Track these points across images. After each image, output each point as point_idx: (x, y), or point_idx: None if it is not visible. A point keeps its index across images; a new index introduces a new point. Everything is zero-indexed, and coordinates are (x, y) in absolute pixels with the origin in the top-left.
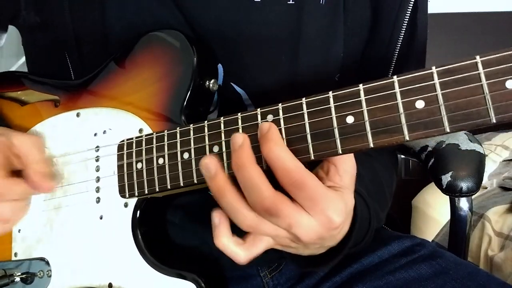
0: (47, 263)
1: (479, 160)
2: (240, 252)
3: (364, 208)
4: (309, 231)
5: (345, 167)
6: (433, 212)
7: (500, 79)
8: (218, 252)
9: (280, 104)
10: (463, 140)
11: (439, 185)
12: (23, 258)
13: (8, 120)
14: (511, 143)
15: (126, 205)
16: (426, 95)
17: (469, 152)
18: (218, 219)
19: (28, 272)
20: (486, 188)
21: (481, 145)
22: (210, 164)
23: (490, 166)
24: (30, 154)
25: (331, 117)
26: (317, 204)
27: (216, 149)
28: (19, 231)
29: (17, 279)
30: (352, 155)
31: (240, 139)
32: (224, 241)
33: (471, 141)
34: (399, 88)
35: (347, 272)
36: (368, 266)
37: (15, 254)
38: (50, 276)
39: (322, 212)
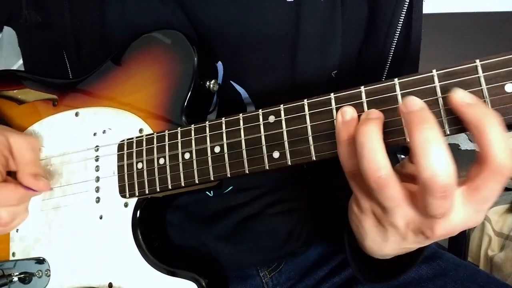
0: (46, 263)
1: None
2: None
3: None
4: (448, 226)
5: None
6: None
7: (500, 83)
8: (217, 252)
9: (282, 105)
10: (463, 140)
11: None
12: (21, 258)
13: (6, 119)
14: (511, 143)
15: (126, 205)
16: (427, 98)
17: (469, 152)
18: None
19: (26, 272)
20: None
21: None
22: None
23: None
24: (22, 156)
25: (333, 119)
26: (489, 200)
27: (217, 149)
28: (17, 231)
29: (15, 279)
30: None
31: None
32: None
33: (471, 141)
34: (400, 90)
35: (347, 273)
36: None
37: (13, 254)
38: (48, 276)
39: (479, 212)
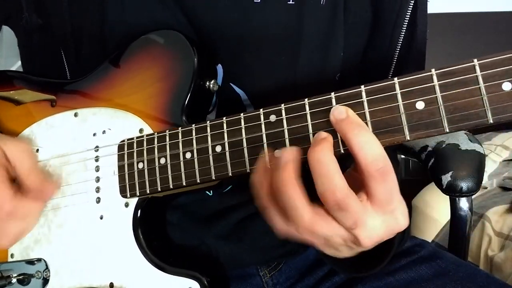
0: (45, 264)
1: (479, 160)
2: (307, 211)
3: None
4: (373, 232)
5: None
6: (433, 212)
7: (497, 81)
8: (217, 252)
9: (282, 105)
10: (463, 140)
11: (439, 185)
12: (20, 259)
13: (3, 121)
14: (511, 143)
15: (127, 205)
16: (426, 96)
17: (469, 152)
18: (291, 156)
19: (25, 273)
20: (486, 188)
21: (481, 145)
22: (288, 152)
23: (490, 166)
24: (22, 163)
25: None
26: (391, 202)
27: (218, 149)
28: None
29: (14, 280)
30: None
31: (325, 134)
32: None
33: (471, 141)
34: (400, 89)
35: None
36: None
37: (12, 255)
38: (48, 277)
39: (392, 212)
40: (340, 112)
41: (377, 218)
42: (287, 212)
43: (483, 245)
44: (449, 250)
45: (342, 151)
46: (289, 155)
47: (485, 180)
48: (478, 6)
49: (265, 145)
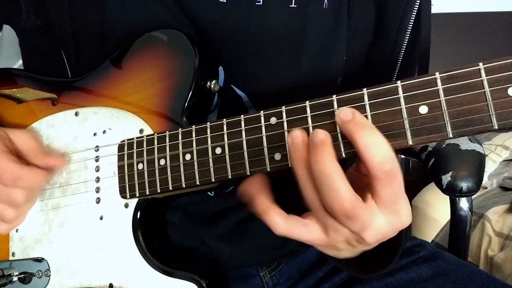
0: (46, 263)
1: (479, 160)
2: (280, 222)
3: None
4: (377, 232)
5: None
6: (433, 212)
7: (503, 86)
8: (218, 252)
9: (283, 107)
10: (463, 140)
11: (439, 185)
12: (21, 258)
13: (4, 118)
14: (511, 143)
15: (126, 205)
16: (430, 100)
17: (469, 152)
18: (256, 188)
19: (26, 272)
20: (486, 188)
21: (481, 145)
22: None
23: (490, 166)
24: (27, 145)
25: (335, 121)
26: (396, 202)
27: (218, 150)
28: (16, 230)
29: (15, 279)
30: None
31: (322, 134)
32: (264, 205)
33: (471, 141)
34: (403, 93)
35: (347, 273)
36: None
37: (13, 254)
38: (48, 276)
39: (396, 212)
40: (345, 114)
41: (382, 218)
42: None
43: (483, 245)
44: (449, 250)
45: (344, 155)
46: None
47: (485, 180)
48: (479, 6)
49: (265, 147)
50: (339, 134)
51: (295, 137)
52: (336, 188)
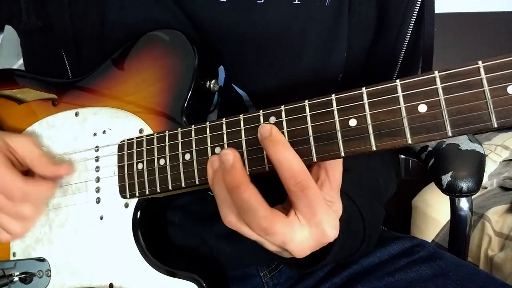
0: (46, 263)
1: (479, 160)
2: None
3: (359, 221)
4: (302, 246)
5: (336, 174)
6: (433, 212)
7: (502, 84)
8: (218, 251)
9: (282, 106)
10: (463, 140)
11: (439, 185)
12: (21, 258)
13: (5, 119)
14: (511, 143)
15: (126, 205)
16: (429, 99)
17: (469, 152)
18: (232, 157)
19: (27, 272)
20: (486, 188)
21: (481, 145)
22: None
23: (490, 166)
24: (30, 152)
25: (334, 120)
26: (315, 215)
27: (218, 150)
28: None
29: (16, 279)
30: (340, 160)
31: (231, 157)
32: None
33: (471, 141)
34: (402, 92)
35: (347, 273)
36: (368, 267)
37: (14, 254)
38: (49, 276)
39: (317, 225)
40: (265, 130)
41: (305, 231)
42: (244, 218)
43: (483, 245)
44: (449, 250)
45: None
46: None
47: (485, 180)
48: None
49: None
50: (338, 133)
51: (214, 160)
52: (254, 209)
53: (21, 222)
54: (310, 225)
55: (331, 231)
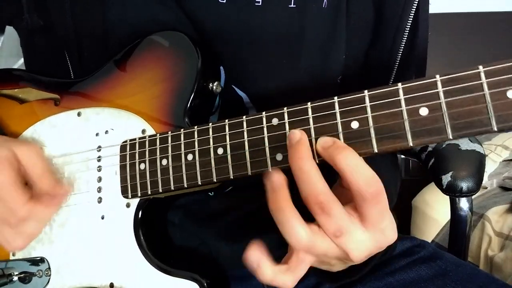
0: (46, 262)
1: (479, 160)
2: (287, 278)
3: None
4: (361, 246)
5: None
6: (433, 212)
7: (502, 89)
8: (218, 251)
9: (285, 108)
10: (463, 140)
11: (439, 185)
12: (21, 257)
13: (6, 118)
14: (511, 143)
15: (128, 205)
16: (430, 102)
17: (469, 152)
18: (256, 257)
19: (26, 272)
20: (486, 188)
21: (481, 145)
22: (276, 177)
23: (490, 166)
24: (35, 166)
25: (336, 122)
26: (382, 221)
27: (220, 151)
28: None
29: (15, 278)
30: None
31: (298, 134)
32: (270, 273)
33: (471, 141)
34: (404, 95)
35: None
36: None
37: (13, 254)
38: (49, 276)
39: (382, 231)
40: (326, 141)
41: (366, 234)
42: (284, 236)
43: (483, 245)
44: (449, 250)
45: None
46: (278, 180)
47: (485, 180)
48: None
49: (267, 148)
50: (340, 135)
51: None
52: (313, 182)
53: (24, 237)
54: (375, 230)
55: (392, 235)
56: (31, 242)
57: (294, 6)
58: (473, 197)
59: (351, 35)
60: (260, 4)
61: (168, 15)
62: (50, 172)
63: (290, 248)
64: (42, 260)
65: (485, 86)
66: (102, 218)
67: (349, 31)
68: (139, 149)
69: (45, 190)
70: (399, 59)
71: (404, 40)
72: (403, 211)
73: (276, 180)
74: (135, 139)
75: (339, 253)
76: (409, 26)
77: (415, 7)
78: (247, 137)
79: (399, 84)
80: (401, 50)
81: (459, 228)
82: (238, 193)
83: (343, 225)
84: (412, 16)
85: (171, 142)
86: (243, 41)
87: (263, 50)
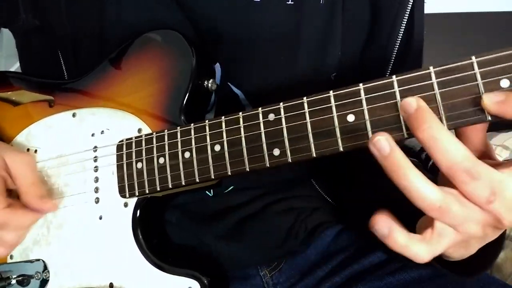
0: (44, 264)
1: None
2: (423, 249)
3: None
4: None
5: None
6: None
7: (495, 78)
8: (217, 251)
9: (281, 103)
10: None
11: None
12: (19, 260)
13: (1, 121)
14: (511, 143)
15: (126, 204)
16: (425, 93)
17: None
18: (387, 223)
19: (24, 275)
20: None
21: None
22: (382, 141)
23: None
24: (24, 176)
25: (332, 116)
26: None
27: (217, 148)
28: None
29: (13, 281)
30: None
31: (414, 101)
32: (402, 240)
33: None
34: (398, 87)
35: (347, 273)
36: (368, 266)
37: (11, 257)
38: (47, 278)
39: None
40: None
41: None
42: (414, 201)
43: None
44: None
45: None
46: (385, 143)
47: None
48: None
49: (264, 144)
50: (336, 128)
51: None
52: (452, 149)
53: (2, 246)
54: None
55: None
56: (21, 243)
57: (292, 3)
58: None
59: (346, 32)
60: (259, 1)
61: (165, 13)
62: (38, 184)
63: (425, 221)
64: (40, 262)
65: (478, 76)
66: (100, 218)
67: (344, 28)
68: (135, 148)
69: (31, 202)
70: (394, 56)
71: (400, 37)
72: None
73: (383, 145)
74: (131, 138)
75: (487, 219)
76: (404, 23)
77: (411, 3)
78: (244, 133)
79: (394, 76)
80: (397, 46)
81: None
82: (237, 193)
83: (495, 185)
84: (408, 13)
85: (168, 140)
86: (240, 39)
87: (260, 47)
